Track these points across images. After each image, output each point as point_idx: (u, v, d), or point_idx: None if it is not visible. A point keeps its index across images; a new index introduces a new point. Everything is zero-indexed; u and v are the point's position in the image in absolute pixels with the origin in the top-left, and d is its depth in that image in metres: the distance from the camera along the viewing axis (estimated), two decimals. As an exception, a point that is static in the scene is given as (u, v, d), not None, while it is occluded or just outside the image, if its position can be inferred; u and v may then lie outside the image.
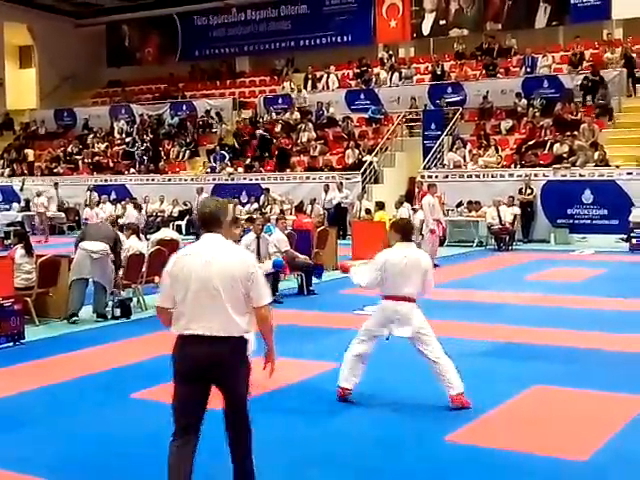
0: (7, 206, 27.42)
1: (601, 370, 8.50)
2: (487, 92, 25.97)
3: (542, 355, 9.14)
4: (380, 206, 20.03)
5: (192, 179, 27.18)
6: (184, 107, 32.09)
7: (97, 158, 30.85)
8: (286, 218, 16.07)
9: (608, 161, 21.36)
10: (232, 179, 26.45)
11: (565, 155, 22.09)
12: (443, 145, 24.71)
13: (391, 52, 30.54)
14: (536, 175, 21.77)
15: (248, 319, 4.90)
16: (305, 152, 26.79)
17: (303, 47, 33.06)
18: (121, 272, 12.01)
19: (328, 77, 30.17)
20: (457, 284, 14.31)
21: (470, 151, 23.79)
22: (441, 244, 18.27)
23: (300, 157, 26.68)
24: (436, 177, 22.61)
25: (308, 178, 25.13)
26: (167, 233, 14.88)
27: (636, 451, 6.14)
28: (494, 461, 5.98)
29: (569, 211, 21.16)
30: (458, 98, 26.74)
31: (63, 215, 27.02)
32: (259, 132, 28.13)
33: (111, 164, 30.32)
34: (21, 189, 28.45)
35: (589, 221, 20.87)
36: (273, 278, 12.94)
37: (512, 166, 22.71)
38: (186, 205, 26.01)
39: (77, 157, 31.34)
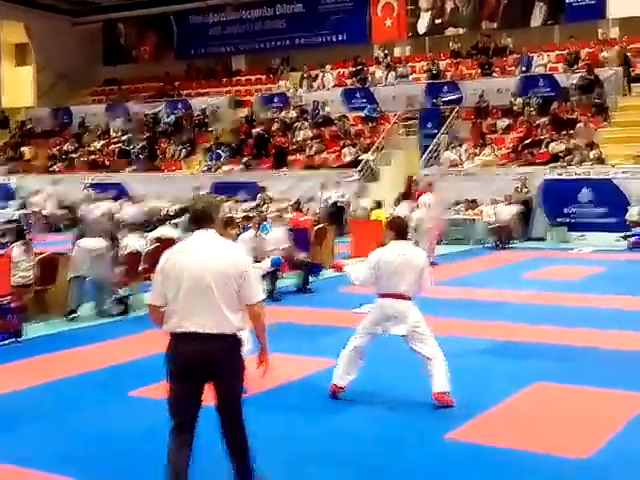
0: (4, 204, 27.30)
1: (599, 368, 8.52)
2: (483, 91, 25.97)
3: (541, 353, 9.15)
4: (377, 204, 20.06)
5: (189, 177, 27.12)
6: (180, 105, 32.05)
7: (93, 156, 30.79)
8: (283, 216, 16.04)
9: (604, 160, 21.41)
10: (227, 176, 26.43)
11: (562, 154, 22.12)
12: (440, 144, 24.72)
13: (387, 51, 30.54)
14: (533, 174, 21.80)
15: (241, 316, 4.90)
16: (302, 151, 26.78)
17: (299, 46, 33.04)
18: (119, 269, 12.00)
19: (324, 76, 30.16)
20: (455, 282, 14.32)
21: (467, 150, 23.82)
22: (438, 242, 18.27)
23: (297, 156, 26.67)
24: (433, 175, 22.62)
25: (305, 177, 25.12)
26: (164, 231, 14.85)
27: (638, 450, 6.14)
28: (495, 459, 5.99)
29: (566, 209, 21.17)
30: (454, 97, 26.76)
31: (61, 213, 26.94)
32: (256, 131, 28.13)
33: (107, 162, 30.26)
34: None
35: (587, 219, 20.89)
36: (271, 276, 12.94)
37: (509, 165, 22.75)
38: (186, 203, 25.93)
39: (73, 155, 31.29)
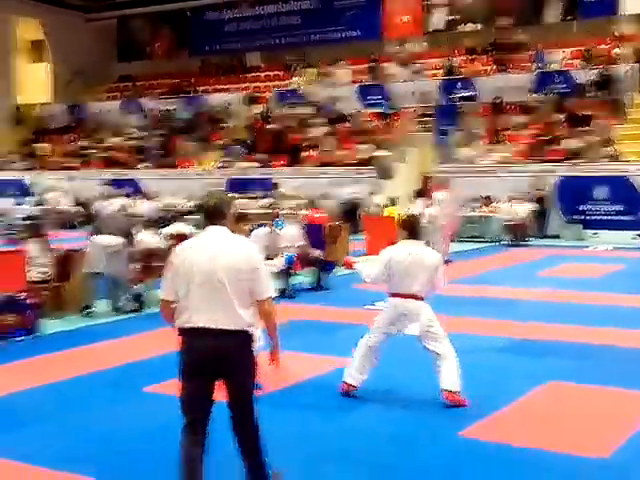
0: (20, 200, 27.42)
1: (616, 366, 8.46)
2: (499, 87, 25.90)
3: (557, 351, 9.10)
4: (391, 201, 20.03)
5: (203, 174, 27.16)
6: (195, 102, 32.10)
7: (109, 153, 30.89)
8: (297, 213, 16.02)
9: (620, 157, 21.30)
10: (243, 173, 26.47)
11: (577, 151, 22.03)
12: (455, 140, 24.65)
13: (401, 47, 30.49)
14: (549, 171, 21.71)
15: (252, 312, 4.88)
16: (316, 147, 26.77)
17: (314, 42, 33.07)
18: (134, 266, 12.02)
19: (339, 72, 30.13)
20: (471, 280, 14.28)
21: (482, 146, 23.75)
22: (452, 240, 18.21)
23: (311, 152, 26.67)
24: (449, 172, 22.55)
25: (320, 173, 25.11)
26: (179, 227, 14.87)
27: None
28: (510, 457, 5.96)
29: (582, 207, 21.09)
30: (470, 93, 26.70)
31: (77, 209, 27.02)
32: (271, 127, 28.13)
33: (123, 159, 30.35)
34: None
35: (603, 217, 20.79)
36: (285, 273, 12.93)
37: (524, 162, 22.66)
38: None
39: (89, 152, 31.40)
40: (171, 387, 7.02)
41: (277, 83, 32.44)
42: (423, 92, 27.35)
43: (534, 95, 25.19)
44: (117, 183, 27.45)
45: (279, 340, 5.07)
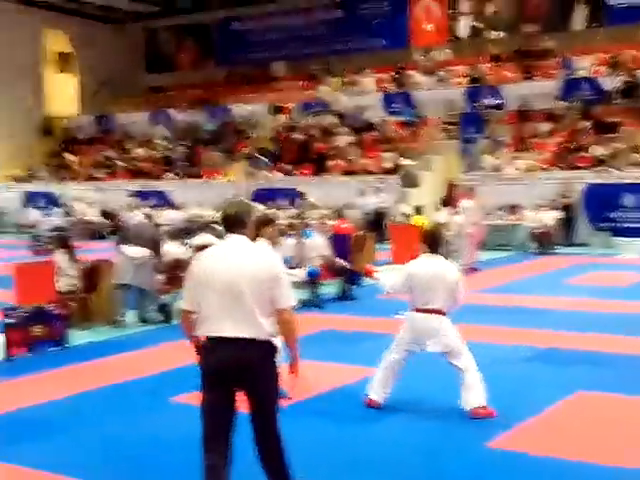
0: (48, 211, 27.68)
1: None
2: (525, 95, 25.78)
3: (585, 361, 9.03)
4: (417, 210, 20.02)
5: (229, 184, 27.25)
6: (221, 112, 32.26)
7: (136, 164, 31.12)
8: (326, 223, 16.06)
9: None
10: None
11: (605, 158, 21.88)
12: (481, 148, 24.57)
13: (427, 55, 30.46)
14: (576, 178, 21.57)
15: (272, 321, 4.82)
16: (342, 156, 26.78)
17: (339, 51, 33.12)
18: (161, 277, 12.10)
19: (364, 81, 30.16)
20: (498, 289, 14.22)
21: (508, 154, 23.65)
22: (479, 248, 18.13)
23: (337, 161, 26.68)
24: (474, 180, 22.49)
25: (344, 182, 25.12)
26: (205, 238, 14.91)
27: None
28: (538, 468, 5.90)
29: (611, 215, 20.91)
30: (496, 101, 26.61)
31: (104, 220, 27.26)
32: (296, 137, 28.20)
33: (150, 170, 30.55)
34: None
35: (631, 224, 20.60)
36: (312, 284, 12.95)
37: (551, 169, 22.54)
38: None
39: (116, 163, 31.65)
40: (198, 397, 7.08)
41: (302, 93, 32.48)
42: (448, 100, 27.29)
43: (560, 102, 25.03)
44: (143, 195, 27.67)
45: (298, 350, 4.99)
